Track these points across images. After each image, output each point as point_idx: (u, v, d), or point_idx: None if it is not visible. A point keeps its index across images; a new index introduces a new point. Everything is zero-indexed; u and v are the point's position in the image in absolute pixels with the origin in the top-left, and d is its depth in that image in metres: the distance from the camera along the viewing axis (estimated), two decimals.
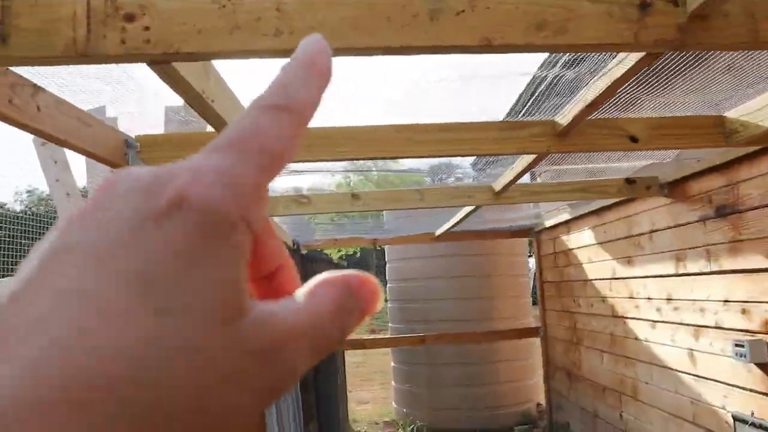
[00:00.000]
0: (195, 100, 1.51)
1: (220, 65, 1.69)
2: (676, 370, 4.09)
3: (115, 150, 2.10)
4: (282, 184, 4.43)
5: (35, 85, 1.58)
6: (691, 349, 3.89)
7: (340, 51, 1.29)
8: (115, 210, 0.25)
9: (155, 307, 0.23)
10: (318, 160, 2.49)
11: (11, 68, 1.46)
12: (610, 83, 1.84)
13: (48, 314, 0.23)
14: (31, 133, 1.56)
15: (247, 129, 0.27)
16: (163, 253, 0.24)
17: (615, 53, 1.84)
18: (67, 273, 0.24)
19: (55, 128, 1.68)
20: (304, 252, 6.46)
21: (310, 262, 6.65)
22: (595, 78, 1.96)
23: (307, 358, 0.27)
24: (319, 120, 2.36)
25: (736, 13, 1.44)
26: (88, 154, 1.90)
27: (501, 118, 2.77)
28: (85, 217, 0.26)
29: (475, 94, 2.81)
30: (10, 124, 1.46)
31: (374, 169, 4.94)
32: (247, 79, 2.09)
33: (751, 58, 2.43)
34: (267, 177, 0.27)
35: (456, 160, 4.59)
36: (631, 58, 1.69)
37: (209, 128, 2.63)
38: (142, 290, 0.23)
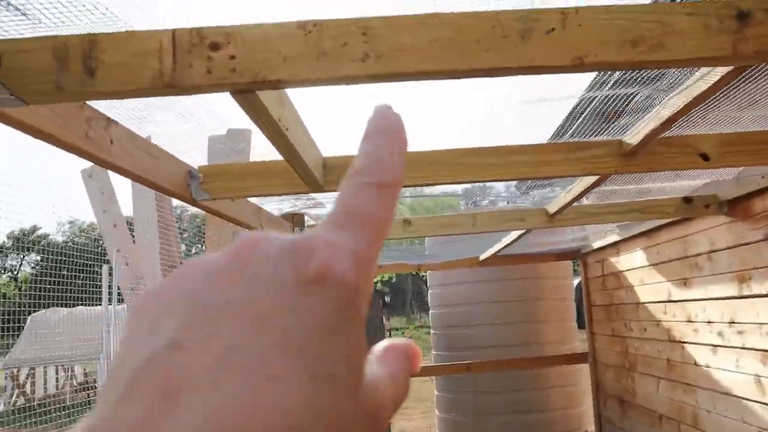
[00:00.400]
0: (271, 128, 1.48)
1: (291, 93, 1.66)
2: (742, 398, 3.92)
3: (178, 182, 2.08)
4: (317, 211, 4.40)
5: (108, 118, 1.56)
6: (759, 375, 3.74)
7: (427, 74, 1.25)
8: (262, 273, 0.27)
9: (309, 374, 0.25)
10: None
11: (88, 102, 1.44)
12: (690, 100, 1.77)
13: (217, 371, 0.24)
14: (106, 167, 1.54)
15: (361, 207, 0.30)
16: (313, 320, 0.26)
17: (693, 70, 1.77)
18: (226, 330, 0.25)
19: (125, 161, 1.66)
20: None
21: None
22: (672, 94, 1.89)
23: (388, 423, 0.31)
24: None
25: None
26: (156, 187, 1.88)
27: (546, 140, 2.72)
28: (228, 273, 0.28)
29: (531, 117, 2.76)
30: (86, 159, 1.44)
31: (407, 194, 4.90)
32: (314, 107, 2.06)
33: None
34: (377, 249, 0.30)
35: (489, 183, 4.52)
36: (717, 72, 1.62)
37: (253, 157, 2.62)
38: (297, 355, 0.25)
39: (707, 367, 4.36)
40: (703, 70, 1.70)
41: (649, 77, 2.01)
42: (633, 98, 2.14)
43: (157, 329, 0.27)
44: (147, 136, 3.43)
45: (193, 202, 2.18)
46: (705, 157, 2.37)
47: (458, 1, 1.27)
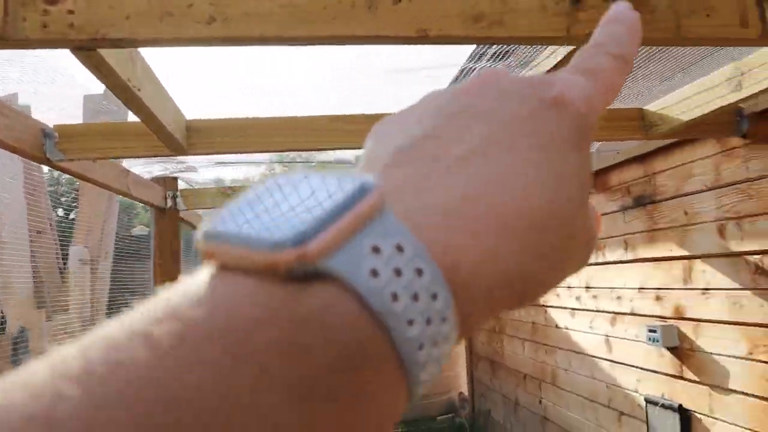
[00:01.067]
0: (120, 89, 1.44)
1: (146, 51, 1.62)
2: (593, 356, 4.23)
3: (31, 141, 1.99)
4: (204, 175, 4.33)
5: None
6: (608, 336, 4.04)
7: (274, 40, 1.26)
8: (508, 89, 0.30)
9: (556, 173, 0.28)
10: (250, 152, 2.43)
11: None
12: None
13: (477, 156, 0.27)
14: None
15: (601, 64, 0.33)
16: (555, 130, 0.29)
17: (544, 47, 1.87)
18: (481, 127, 0.28)
19: None
20: None
21: None
22: (525, 70, 1.99)
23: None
24: (247, 110, 2.31)
25: (662, 9, 1.49)
26: (5, 146, 1.79)
27: None
28: (475, 90, 0.30)
29: (404, 85, 2.81)
30: None
31: (299, 160, 4.89)
32: (174, 65, 2.01)
33: (666, 52, 2.53)
34: (604, 106, 0.33)
35: None
36: (562, 51, 1.72)
37: (131, 118, 2.54)
38: (545, 156, 0.28)
39: (566, 329, 4.67)
40: (551, 48, 1.80)
41: (503, 52, 2.10)
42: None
43: (409, 129, 0.29)
44: (13, 93, 3.23)
45: (47, 162, 2.09)
46: None
47: None
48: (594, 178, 4.06)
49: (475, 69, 2.61)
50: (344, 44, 1.33)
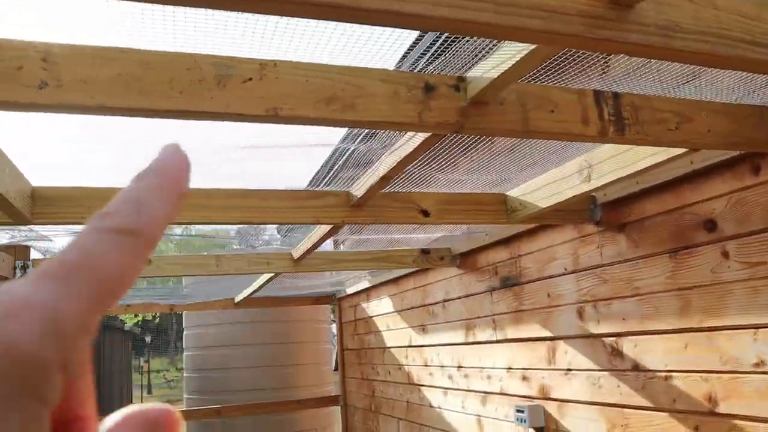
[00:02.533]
0: None
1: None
2: None
3: None
4: (63, 244, 4.07)
5: None
6: (479, 415, 4.05)
7: (113, 110, 1.20)
8: None
9: None
10: None
11: None
12: (400, 159, 1.90)
13: None
14: None
15: (85, 255, 0.24)
16: None
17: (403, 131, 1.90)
18: None
19: None
20: None
21: (101, 331, 6.14)
22: (387, 153, 2.01)
23: None
24: (102, 179, 2.20)
25: (511, 102, 1.55)
26: None
27: (303, 187, 2.78)
28: None
29: (279, 161, 2.79)
30: None
31: (176, 231, 4.72)
32: (22, 130, 1.89)
33: (529, 142, 2.65)
34: (100, 309, 0.24)
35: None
36: (419, 137, 1.75)
37: None
38: None
39: (440, 408, 4.65)
40: (410, 133, 1.83)
41: (372, 134, 2.13)
42: (353, 153, 2.25)
43: None
44: None
45: None
46: (426, 213, 2.56)
47: (154, 38, 1.24)
48: (464, 259, 4.15)
49: (348, 149, 2.63)
50: (191, 119, 1.29)
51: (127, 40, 1.27)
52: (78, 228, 2.85)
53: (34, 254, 3.36)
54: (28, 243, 3.19)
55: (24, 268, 3.18)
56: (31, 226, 2.71)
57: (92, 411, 0.28)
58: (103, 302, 0.24)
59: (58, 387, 0.23)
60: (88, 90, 1.17)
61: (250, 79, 1.29)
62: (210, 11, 1.25)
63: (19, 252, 3.19)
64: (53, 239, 3.15)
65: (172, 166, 0.28)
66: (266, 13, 1.12)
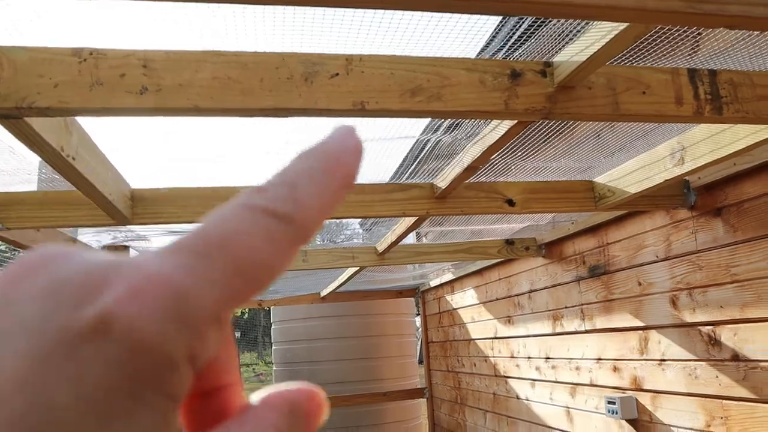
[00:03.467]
0: (52, 157, 1.41)
1: (90, 122, 1.60)
2: (555, 428, 4.16)
3: None
4: (158, 244, 4.25)
5: None
6: (568, 407, 3.98)
7: (208, 111, 1.24)
8: (23, 314, 0.19)
9: None
10: (193, 221, 2.38)
11: None
12: (485, 148, 1.88)
13: None
14: None
15: (233, 235, 0.21)
16: (68, 400, 0.18)
17: (489, 120, 1.89)
18: None
19: None
20: None
21: None
22: (471, 143, 2.00)
23: None
24: (196, 179, 2.28)
25: (600, 85, 1.52)
26: None
27: (387, 180, 2.80)
28: None
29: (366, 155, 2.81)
30: None
31: None
32: (121, 135, 1.99)
33: (614, 127, 2.58)
34: (236, 300, 0.21)
35: (345, 219, 4.58)
36: (504, 125, 1.74)
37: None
38: None
39: (527, 400, 4.60)
40: (495, 121, 1.82)
41: (455, 124, 2.12)
42: (438, 144, 2.25)
43: None
44: None
45: None
46: (511, 203, 2.53)
47: (245, 40, 1.28)
48: (550, 248, 4.08)
49: (430, 141, 2.63)
50: (281, 116, 1.32)
51: (220, 42, 1.32)
52: (174, 227, 2.97)
53: (132, 254, 3.52)
54: (128, 243, 3.34)
55: None
56: (131, 227, 2.84)
57: (236, 378, 0.26)
58: (240, 292, 0.21)
59: (187, 380, 0.20)
60: (185, 93, 1.22)
61: (337, 74, 1.31)
62: (297, 9, 1.27)
63: (120, 252, 3.34)
64: (151, 239, 3.29)
65: (340, 150, 0.24)
66: (351, 6, 1.13)
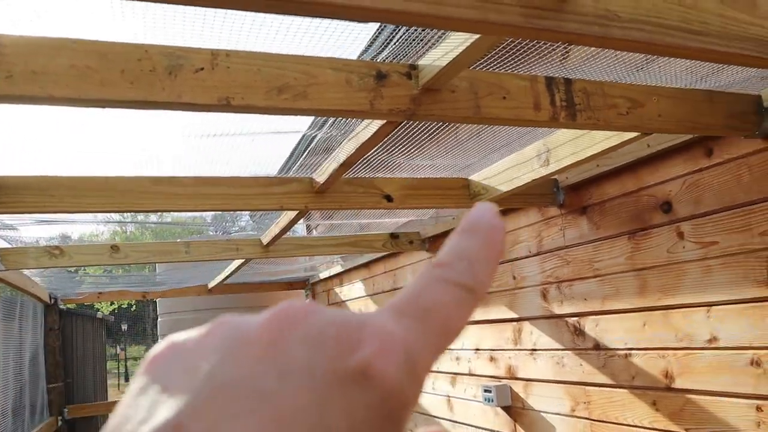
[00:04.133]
0: None
1: None
2: (436, 417, 4.29)
3: None
4: (40, 233, 4.07)
5: None
6: (449, 396, 4.12)
7: (64, 101, 1.21)
8: (296, 357, 0.23)
9: None
10: (66, 211, 2.30)
11: None
12: (359, 145, 1.92)
13: None
14: None
15: (436, 304, 0.26)
16: (342, 426, 0.22)
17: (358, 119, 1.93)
18: (241, 421, 0.21)
19: None
20: (63, 307, 5.94)
21: (70, 318, 6.13)
22: (347, 139, 2.03)
23: None
24: (67, 168, 2.20)
25: (463, 89, 1.58)
26: None
27: (275, 174, 2.79)
28: (258, 350, 0.23)
29: (245, 149, 2.80)
30: None
31: (151, 218, 4.72)
32: None
33: (494, 128, 2.68)
34: (440, 355, 0.26)
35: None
36: (375, 124, 1.78)
37: None
38: None
39: None
40: (367, 120, 1.86)
41: (332, 122, 2.15)
42: (315, 139, 2.27)
43: (163, 397, 0.23)
44: None
45: None
46: (389, 199, 2.59)
47: (104, 30, 1.25)
48: (433, 242, 4.20)
49: (311, 136, 2.64)
50: (143, 109, 1.30)
51: (79, 31, 1.28)
52: (41, 216, 2.85)
53: (1, 243, 3.34)
54: None
55: None
56: None
57: None
58: (442, 349, 0.26)
59: (405, 424, 0.24)
60: (39, 81, 1.18)
61: (202, 68, 1.31)
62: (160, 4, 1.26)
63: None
64: (19, 228, 3.14)
65: (494, 229, 0.29)
66: (219, 7, 1.13)
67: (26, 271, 4.31)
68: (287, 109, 1.37)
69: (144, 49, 1.28)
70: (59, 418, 5.66)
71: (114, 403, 8.15)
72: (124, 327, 27.85)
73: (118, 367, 26.17)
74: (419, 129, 2.46)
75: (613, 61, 1.97)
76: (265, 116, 2.41)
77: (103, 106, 1.26)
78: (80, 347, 6.24)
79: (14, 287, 4.00)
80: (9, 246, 3.44)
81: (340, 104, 1.42)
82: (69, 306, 6.07)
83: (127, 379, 24.51)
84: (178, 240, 3.81)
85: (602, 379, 2.81)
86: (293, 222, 2.97)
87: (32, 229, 3.53)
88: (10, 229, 3.07)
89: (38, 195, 2.12)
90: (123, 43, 1.27)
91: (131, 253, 3.58)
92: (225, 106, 1.32)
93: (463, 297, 0.27)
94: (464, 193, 2.78)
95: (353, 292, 5.85)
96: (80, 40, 1.24)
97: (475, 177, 2.75)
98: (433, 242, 4.19)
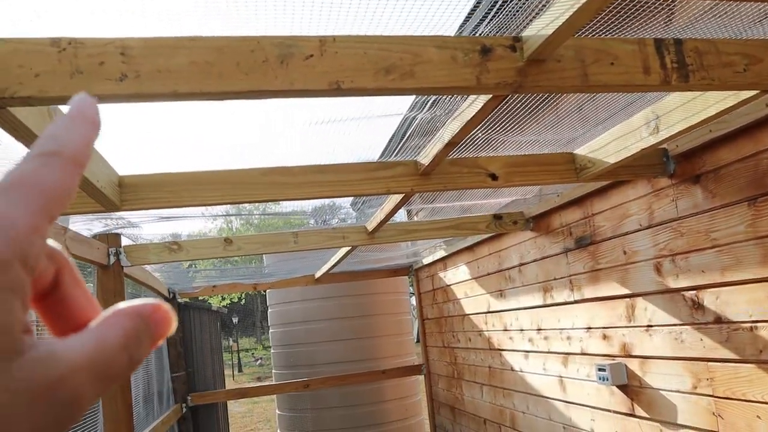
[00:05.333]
0: None
1: None
2: (549, 398, 4.25)
3: None
4: (156, 230, 4.29)
5: None
6: (561, 376, 4.07)
7: (187, 95, 1.29)
8: None
9: None
10: (184, 206, 2.43)
11: None
12: (463, 123, 1.93)
13: None
14: None
15: (24, 173, 0.29)
16: None
17: (465, 96, 1.93)
18: None
19: None
20: (180, 301, 6.26)
21: (188, 311, 6.45)
22: (451, 119, 2.04)
23: (92, 387, 0.29)
24: (183, 165, 2.32)
25: (569, 58, 1.56)
26: None
27: (376, 159, 2.84)
28: None
29: (349, 135, 2.86)
30: None
31: (255, 212, 4.90)
32: (114, 121, 2.02)
33: (595, 100, 2.62)
34: (45, 217, 0.29)
35: (339, 201, 4.63)
36: (480, 100, 1.78)
37: None
38: None
39: (521, 371, 4.68)
40: (472, 97, 1.86)
41: (434, 102, 2.16)
42: (415, 121, 2.29)
43: None
44: None
45: None
46: (494, 177, 2.58)
47: (219, 25, 1.32)
48: (537, 221, 4.14)
49: (413, 118, 2.67)
50: (258, 98, 1.36)
51: (197, 29, 1.35)
52: (164, 212, 3.01)
53: (124, 241, 3.57)
54: (119, 231, 3.39)
55: (117, 254, 3.38)
56: (122, 215, 2.88)
57: (96, 310, 0.35)
58: (47, 209, 0.29)
59: (22, 278, 0.27)
60: (163, 79, 1.26)
61: (312, 55, 1.35)
62: None
63: (111, 240, 3.39)
64: (141, 226, 3.34)
65: (79, 104, 0.34)
66: None
67: (147, 267, 4.57)
68: (395, 89, 1.40)
69: (256, 40, 1.34)
70: (183, 405, 5.98)
71: (232, 391, 8.53)
72: (235, 320, 28.98)
73: (231, 359, 27.30)
74: (520, 106, 2.44)
75: (725, 19, 1.88)
76: (363, 102, 2.46)
77: (222, 98, 1.33)
78: (198, 339, 6.56)
79: (138, 282, 4.26)
80: (132, 243, 3.66)
81: (447, 81, 1.43)
82: (186, 300, 6.39)
83: (240, 370, 25.49)
84: (284, 231, 3.94)
85: (726, 354, 2.70)
86: (398, 206, 3.01)
87: (150, 227, 3.74)
88: (134, 227, 3.27)
89: (158, 191, 2.25)
90: (236, 37, 1.34)
91: (243, 245, 3.73)
92: (336, 90, 1.36)
93: (48, 160, 0.30)
94: (570, 167, 2.73)
95: (458, 276, 5.86)
96: (197, 37, 1.31)
97: (580, 150, 2.70)
98: (538, 221, 4.14)
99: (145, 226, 3.41)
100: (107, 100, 1.25)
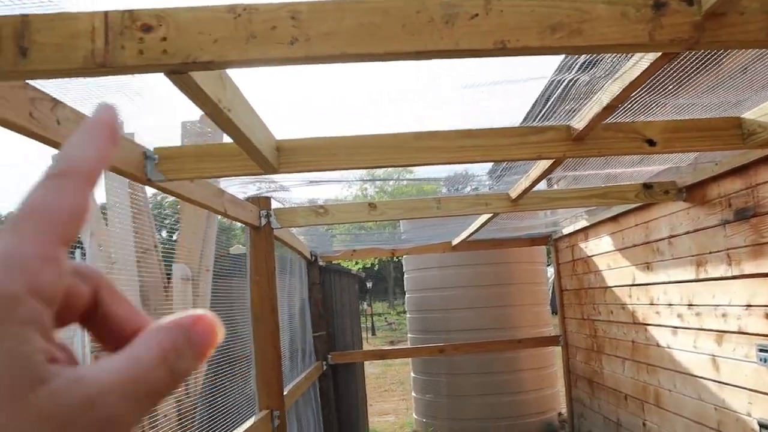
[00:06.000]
0: (212, 109, 1.53)
1: (236, 75, 1.71)
2: (699, 377, 4.04)
3: (134, 163, 2.12)
4: (299, 195, 4.45)
5: (54, 98, 1.60)
6: (714, 355, 3.85)
7: (355, 57, 1.30)
8: None
9: None
10: (341, 168, 2.49)
11: (31, 82, 1.48)
12: (626, 85, 1.83)
13: None
14: (51, 146, 1.58)
15: (34, 202, 0.30)
16: None
17: (629, 55, 1.83)
18: None
19: None
20: (322, 264, 6.48)
21: (329, 274, 6.68)
22: (610, 80, 1.95)
23: (128, 406, 0.28)
24: (334, 129, 2.37)
25: (754, 9, 1.43)
26: (110, 168, 1.92)
27: (518, 123, 2.77)
28: None
29: (490, 99, 2.81)
30: (30, 138, 1.48)
31: (390, 179, 4.98)
32: (264, 88, 2.10)
33: (762, 59, 2.41)
34: (57, 243, 0.29)
35: (472, 170, 4.58)
36: (647, 59, 1.68)
37: (226, 138, 2.65)
38: None
39: (668, 347, 4.47)
40: (636, 56, 1.76)
41: (590, 62, 2.07)
42: (574, 84, 2.20)
43: None
44: (120, 121, 3.47)
45: (148, 183, 2.22)
46: (651, 143, 2.44)
47: None
48: (691, 191, 3.90)
49: (565, 81, 2.57)
50: (423, 59, 1.35)
51: None
52: (314, 176, 3.11)
53: (274, 204, 3.72)
54: (269, 194, 3.54)
55: (268, 216, 3.54)
56: (274, 178, 3.00)
57: (144, 321, 0.35)
58: (55, 233, 0.29)
59: (39, 308, 0.28)
60: (332, 41, 1.28)
61: (476, 15, 1.33)
62: None
63: (262, 202, 3.55)
64: (291, 189, 3.47)
65: (99, 115, 0.33)
66: None
67: (293, 230, 4.76)
68: (562, 48, 1.35)
69: (421, 1, 1.33)
70: (324, 363, 6.22)
71: (370, 352, 8.77)
72: (369, 285, 29.76)
73: (365, 322, 28.10)
74: (678, 67, 2.28)
75: None
76: (508, 66, 2.40)
77: (389, 59, 1.33)
78: (338, 301, 6.77)
79: (286, 245, 4.45)
80: (282, 206, 3.82)
81: (617, 38, 1.36)
82: (327, 263, 6.61)
83: (374, 333, 26.20)
84: (427, 197, 3.95)
85: None
86: (547, 172, 2.93)
87: (297, 191, 3.88)
88: (285, 190, 3.41)
89: (313, 155, 2.31)
90: None
91: (387, 210, 3.79)
92: (501, 49, 1.33)
93: (56, 183, 0.30)
94: (736, 133, 2.53)
95: (600, 247, 5.66)
96: (363, 0, 1.32)
97: (749, 114, 2.50)
98: (692, 191, 3.89)
99: (294, 190, 3.54)
100: (280, 62, 1.29)
